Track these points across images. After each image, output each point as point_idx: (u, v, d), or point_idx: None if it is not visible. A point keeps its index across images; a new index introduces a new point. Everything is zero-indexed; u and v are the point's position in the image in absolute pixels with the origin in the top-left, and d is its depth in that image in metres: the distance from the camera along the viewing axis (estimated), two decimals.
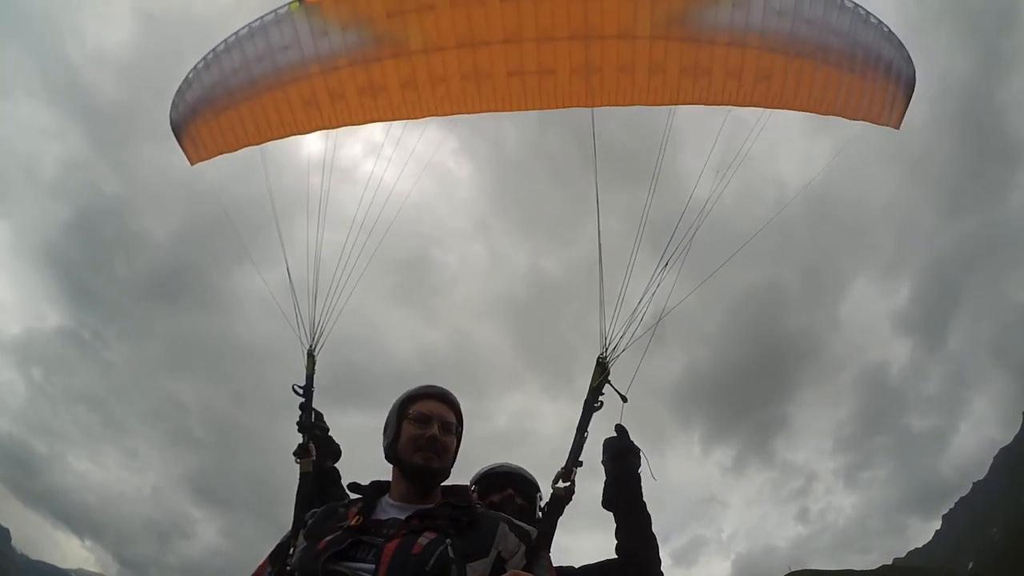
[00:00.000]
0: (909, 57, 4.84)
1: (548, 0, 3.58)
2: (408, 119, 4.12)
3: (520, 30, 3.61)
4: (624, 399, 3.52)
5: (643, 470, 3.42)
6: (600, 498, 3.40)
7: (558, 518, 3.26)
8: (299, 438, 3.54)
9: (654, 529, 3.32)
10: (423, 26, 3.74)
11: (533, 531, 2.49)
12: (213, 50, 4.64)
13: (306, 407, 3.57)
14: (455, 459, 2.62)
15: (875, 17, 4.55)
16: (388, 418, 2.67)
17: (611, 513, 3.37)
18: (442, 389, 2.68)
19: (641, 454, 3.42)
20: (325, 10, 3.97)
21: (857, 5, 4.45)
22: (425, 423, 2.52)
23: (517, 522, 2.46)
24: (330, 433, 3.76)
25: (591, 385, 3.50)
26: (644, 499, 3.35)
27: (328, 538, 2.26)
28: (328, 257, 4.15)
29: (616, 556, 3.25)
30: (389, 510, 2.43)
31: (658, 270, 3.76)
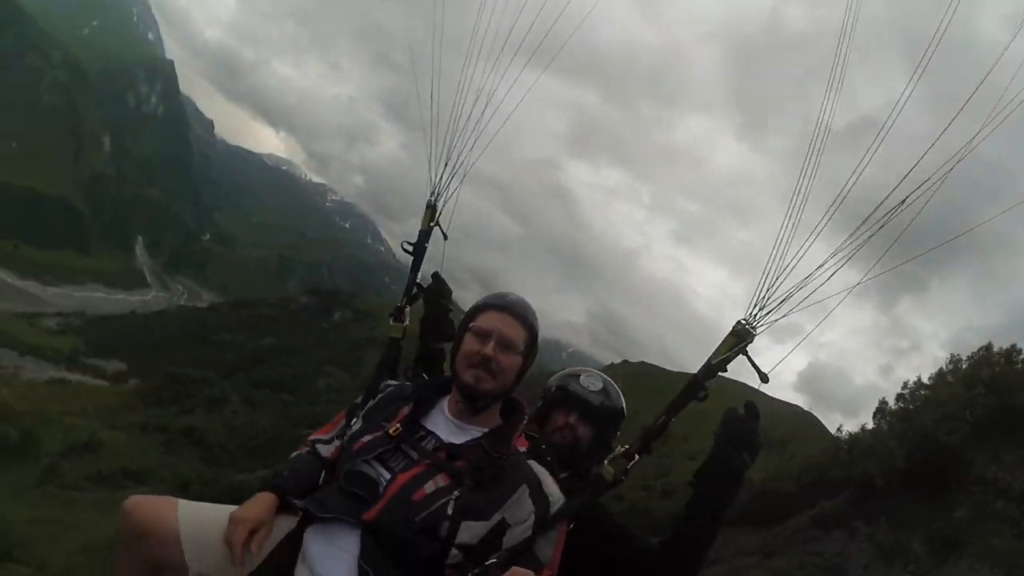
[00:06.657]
0: None
1: None
2: None
3: None
4: (765, 379, 2.37)
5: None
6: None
7: (595, 500, 2.48)
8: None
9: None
10: None
11: (557, 503, 2.18)
12: None
13: (415, 267, 3.05)
14: (519, 380, 2.32)
15: None
16: (460, 324, 2.39)
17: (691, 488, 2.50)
18: (515, 301, 2.32)
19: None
20: None
21: None
22: (483, 339, 2.24)
23: (545, 488, 2.17)
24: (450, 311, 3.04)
25: (715, 357, 2.30)
26: (727, 510, 2.49)
27: (366, 440, 2.20)
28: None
29: (664, 540, 2.56)
30: (438, 423, 2.28)
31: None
